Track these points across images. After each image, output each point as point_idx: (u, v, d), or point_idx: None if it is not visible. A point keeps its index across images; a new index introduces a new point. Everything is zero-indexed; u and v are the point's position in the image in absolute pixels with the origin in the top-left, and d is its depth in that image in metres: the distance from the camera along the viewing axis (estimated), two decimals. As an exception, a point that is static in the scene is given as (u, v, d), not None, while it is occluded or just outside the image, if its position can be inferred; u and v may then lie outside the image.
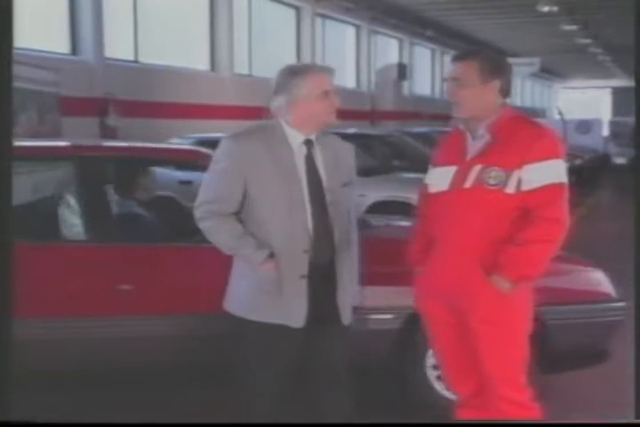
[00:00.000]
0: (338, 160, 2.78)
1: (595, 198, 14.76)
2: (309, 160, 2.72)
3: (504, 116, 2.73)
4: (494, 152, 2.66)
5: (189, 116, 13.70)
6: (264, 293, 2.69)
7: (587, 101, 48.56)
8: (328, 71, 2.75)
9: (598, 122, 24.81)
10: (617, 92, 49.30)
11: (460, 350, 2.79)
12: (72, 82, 10.39)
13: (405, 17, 22.43)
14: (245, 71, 16.64)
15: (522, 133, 2.66)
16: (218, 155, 2.73)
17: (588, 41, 26.47)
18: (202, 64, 15.40)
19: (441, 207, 2.76)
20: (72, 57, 11.76)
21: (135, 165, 4.11)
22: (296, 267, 2.67)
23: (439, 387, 3.55)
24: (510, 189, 2.62)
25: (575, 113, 32.68)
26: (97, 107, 11.52)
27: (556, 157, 2.63)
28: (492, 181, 2.63)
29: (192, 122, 13.49)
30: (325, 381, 2.80)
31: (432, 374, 3.57)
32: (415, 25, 23.67)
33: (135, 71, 12.88)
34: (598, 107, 48.47)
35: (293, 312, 2.68)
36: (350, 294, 2.81)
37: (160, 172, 4.88)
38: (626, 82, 46.60)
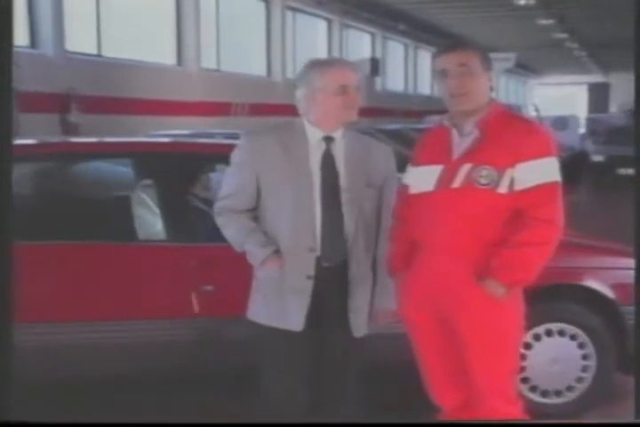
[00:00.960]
0: (366, 160, 2.75)
1: (574, 197, 14.87)
2: (327, 157, 2.70)
3: (493, 111, 2.66)
4: (484, 150, 2.59)
5: (155, 112, 13.56)
6: (268, 293, 2.70)
7: (562, 98, 48.99)
8: (350, 67, 2.74)
9: (575, 119, 25.01)
10: (593, 89, 49.85)
11: (448, 360, 2.72)
12: (30, 76, 10.19)
13: (378, 10, 22.45)
14: (213, 66, 16.52)
15: (513, 130, 2.59)
16: (235, 151, 2.77)
17: (564, 36, 26.70)
18: (168, 58, 15.26)
19: (425, 209, 2.68)
20: (30, 50, 11.55)
21: (197, 161, 4.03)
22: (301, 266, 2.66)
23: None
24: (503, 188, 2.55)
25: (551, 110, 32.95)
26: (57, 103, 11.34)
27: (550, 154, 2.57)
28: (483, 181, 2.56)
29: (158, 118, 13.36)
30: (332, 392, 2.78)
31: None
32: (388, 19, 23.71)
33: (98, 65, 12.69)
34: (574, 103, 48.94)
35: (292, 314, 2.66)
36: (367, 304, 2.76)
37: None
38: (602, 78, 47.21)
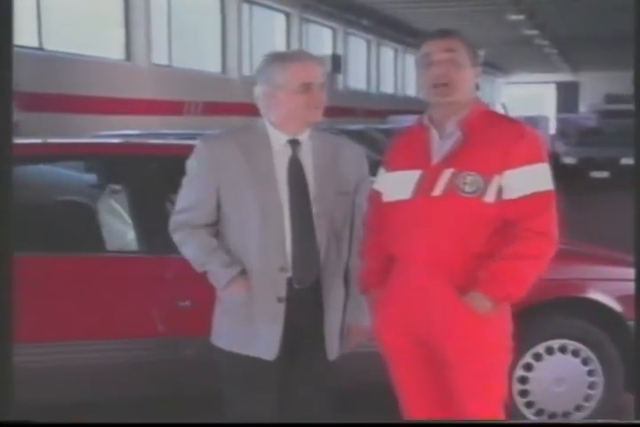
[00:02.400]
0: (337, 164, 2.63)
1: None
2: (294, 163, 2.57)
3: (476, 110, 2.55)
4: (468, 153, 2.46)
5: (101, 110, 13.35)
6: (235, 317, 2.58)
7: (530, 97, 49.62)
8: (315, 61, 2.60)
9: (545, 119, 25.31)
10: (561, 88, 50.59)
11: (430, 386, 2.60)
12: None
13: (339, 4, 22.47)
14: (164, 61, 16.35)
15: (500, 132, 2.47)
16: (190, 159, 2.62)
17: (534, 32, 27.02)
18: (116, 53, 15.05)
19: (401, 219, 2.53)
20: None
21: (173, 164, 3.91)
22: (271, 288, 2.54)
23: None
24: (489, 197, 2.43)
25: (518, 109, 33.32)
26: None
27: (542, 160, 2.47)
28: (468, 189, 2.43)
29: (105, 117, 13.15)
30: (303, 418, 2.68)
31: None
32: (350, 13, 23.73)
33: (39, 59, 12.44)
34: (542, 103, 49.61)
35: (264, 341, 2.55)
36: (340, 324, 2.67)
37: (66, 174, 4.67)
38: (571, 76, 47.96)
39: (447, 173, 2.46)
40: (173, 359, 3.35)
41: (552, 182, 2.49)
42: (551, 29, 27.79)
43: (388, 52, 31.10)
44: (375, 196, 2.67)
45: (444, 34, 2.57)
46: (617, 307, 3.66)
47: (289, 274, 2.54)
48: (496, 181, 2.43)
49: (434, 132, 2.55)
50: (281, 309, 2.54)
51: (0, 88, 1.85)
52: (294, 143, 2.58)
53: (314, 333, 2.60)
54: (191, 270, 2.70)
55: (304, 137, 2.60)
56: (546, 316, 3.62)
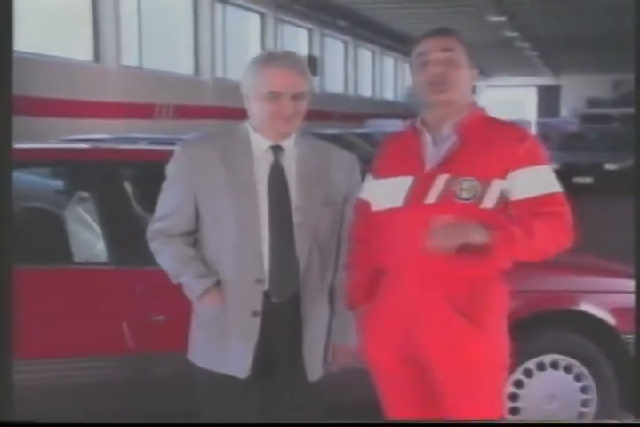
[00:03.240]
0: (324, 173, 2.55)
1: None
2: (276, 171, 2.50)
3: (473, 113, 2.49)
4: (465, 158, 2.39)
5: (69, 113, 13.23)
6: (209, 331, 2.52)
7: (510, 101, 49.91)
8: (294, 68, 2.47)
9: (526, 123, 25.53)
10: (542, 91, 51.01)
11: (420, 407, 2.52)
12: None
13: (315, 4, 22.50)
14: (135, 63, 16.30)
15: (500, 135, 2.42)
16: (169, 164, 2.57)
17: (515, 34, 27.22)
18: (84, 53, 14.93)
19: (392, 229, 2.45)
20: None
21: (147, 169, 3.80)
22: (246, 301, 2.47)
23: None
24: (487, 203, 2.37)
25: (499, 113, 33.54)
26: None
27: (545, 163, 2.42)
28: (464, 195, 2.36)
29: (72, 121, 13.04)
30: None
31: None
32: (326, 14, 23.79)
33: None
34: (523, 106, 49.95)
35: (236, 358, 2.48)
36: (323, 342, 2.59)
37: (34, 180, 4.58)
38: (552, 79, 48.37)
39: (442, 179, 2.39)
40: (146, 377, 3.28)
41: (559, 184, 2.43)
42: (532, 31, 27.99)
43: (365, 54, 31.17)
44: (362, 205, 2.59)
45: (441, 33, 2.52)
46: (611, 320, 3.61)
47: (265, 287, 2.47)
48: (495, 185, 2.37)
49: (427, 137, 2.49)
50: (256, 323, 2.47)
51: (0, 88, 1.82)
52: (276, 149, 2.51)
53: (292, 351, 2.53)
54: (165, 283, 2.64)
55: (288, 143, 2.53)
56: (537, 330, 3.57)
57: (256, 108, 2.48)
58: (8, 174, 1.82)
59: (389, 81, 34.87)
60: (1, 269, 1.78)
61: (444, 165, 2.41)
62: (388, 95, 34.52)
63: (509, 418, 2.44)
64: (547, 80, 48.39)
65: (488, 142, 2.41)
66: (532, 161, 2.39)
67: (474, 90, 2.55)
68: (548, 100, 49.49)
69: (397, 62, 35.13)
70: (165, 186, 2.59)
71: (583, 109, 35.61)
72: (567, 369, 3.62)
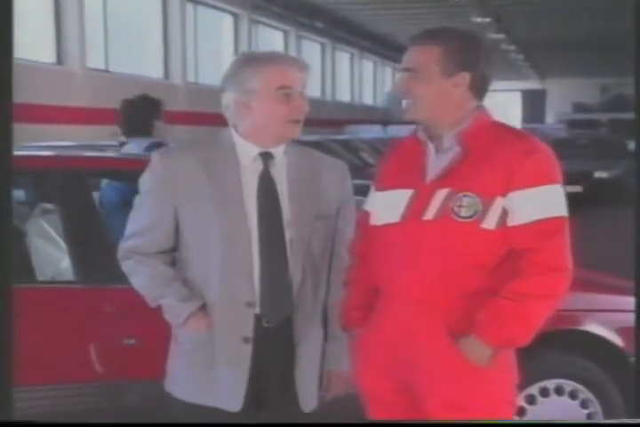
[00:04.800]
0: (315, 184, 2.46)
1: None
2: (265, 180, 2.41)
3: (478, 122, 2.39)
4: (467, 171, 2.30)
5: (30, 119, 13.05)
6: (193, 361, 2.42)
7: (493, 106, 50.07)
8: (296, 64, 2.41)
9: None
10: (527, 96, 51.38)
11: None
12: None
13: (291, 5, 22.53)
14: (101, 66, 16.21)
15: (505, 147, 2.31)
16: (144, 176, 2.46)
17: (500, 36, 27.33)
18: (46, 56, 14.83)
19: (389, 245, 2.37)
20: None
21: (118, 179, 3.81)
22: (236, 326, 2.37)
23: None
24: (490, 223, 2.27)
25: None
26: None
27: (552, 181, 2.30)
28: (464, 212, 2.27)
29: (34, 126, 12.87)
30: None
31: None
32: (303, 15, 23.82)
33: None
34: (507, 112, 50.23)
35: (226, 390, 2.38)
36: (317, 370, 2.50)
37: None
38: (537, 84, 48.72)
39: (442, 194, 2.31)
40: (116, 407, 3.21)
41: (565, 207, 2.32)
42: (517, 34, 28.12)
43: (343, 57, 31.20)
44: (364, 217, 2.52)
45: (414, 41, 2.42)
46: (618, 341, 3.54)
47: (257, 310, 2.38)
48: (498, 204, 2.28)
49: (430, 147, 2.40)
50: (247, 351, 2.37)
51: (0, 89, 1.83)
52: (267, 157, 2.43)
53: (284, 380, 2.43)
54: (137, 303, 2.56)
55: (278, 151, 2.45)
56: (538, 352, 3.46)
57: (261, 111, 2.38)
58: (8, 182, 1.81)
59: (369, 85, 34.93)
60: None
61: (444, 179, 2.33)
62: (368, 100, 34.57)
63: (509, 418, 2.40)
64: (532, 84, 48.74)
65: (491, 155, 2.32)
66: (535, 180, 2.28)
67: (482, 94, 2.44)
68: (534, 105, 49.84)
69: (377, 65, 35.23)
70: (139, 199, 2.49)
71: (570, 115, 35.87)
72: (572, 395, 3.56)
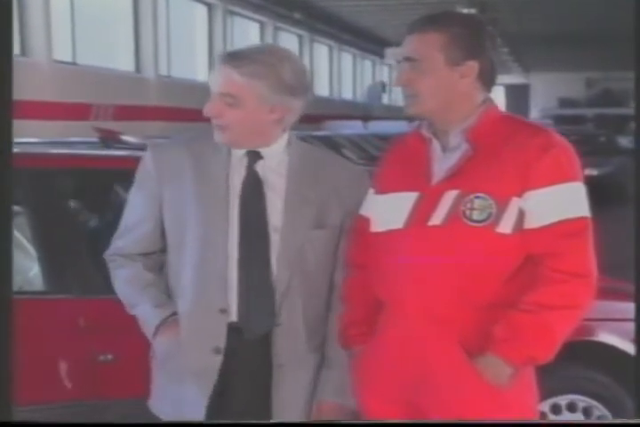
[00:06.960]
0: (319, 188, 2.35)
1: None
2: (249, 182, 2.31)
3: (488, 116, 2.29)
4: (478, 171, 2.20)
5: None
6: (167, 374, 2.34)
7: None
8: (234, 65, 2.26)
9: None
10: (510, 91, 51.62)
11: None
12: None
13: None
14: (68, 58, 16.08)
15: (519, 142, 2.20)
16: (138, 169, 2.41)
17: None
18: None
19: (392, 254, 2.27)
20: None
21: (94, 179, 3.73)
22: (207, 335, 2.27)
23: None
24: (505, 227, 2.17)
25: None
26: None
27: (572, 178, 2.20)
28: (476, 216, 2.18)
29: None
30: None
31: None
32: (280, 5, 23.81)
33: None
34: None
35: (190, 405, 2.26)
36: (300, 396, 2.34)
37: None
38: (521, 78, 48.94)
39: (450, 196, 2.21)
40: None
41: (587, 207, 2.22)
42: (502, 26, 28.22)
43: (322, 50, 31.23)
44: (362, 223, 2.40)
45: (414, 29, 2.30)
46: (634, 352, 3.43)
47: (232, 318, 2.28)
48: (514, 205, 2.18)
49: (436, 145, 2.30)
50: (216, 363, 2.27)
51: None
52: (253, 156, 2.33)
53: (258, 401, 2.30)
54: (113, 315, 2.53)
55: (272, 150, 2.34)
56: (549, 366, 3.38)
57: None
58: (8, 181, 1.85)
59: (348, 79, 34.93)
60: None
61: (452, 179, 2.23)
62: (347, 95, 34.56)
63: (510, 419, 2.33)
64: (515, 79, 48.95)
65: (504, 152, 2.22)
66: (553, 178, 2.18)
67: (488, 84, 2.32)
68: (517, 100, 50.05)
69: (356, 59, 35.28)
70: (130, 196, 2.46)
71: (556, 110, 36.06)
72: (586, 412, 3.49)
